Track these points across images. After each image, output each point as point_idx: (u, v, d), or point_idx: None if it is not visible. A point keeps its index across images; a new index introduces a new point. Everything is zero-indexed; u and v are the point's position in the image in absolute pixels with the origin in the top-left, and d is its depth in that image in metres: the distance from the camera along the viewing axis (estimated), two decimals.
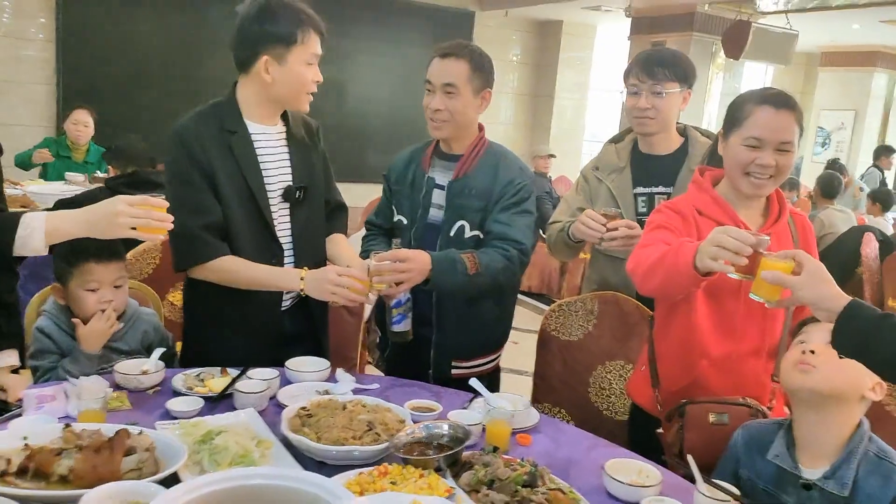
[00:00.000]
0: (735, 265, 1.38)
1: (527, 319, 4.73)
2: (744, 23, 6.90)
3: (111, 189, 3.11)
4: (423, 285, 1.85)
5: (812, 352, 1.41)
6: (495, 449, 1.38)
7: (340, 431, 1.37)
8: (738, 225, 1.70)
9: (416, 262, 1.82)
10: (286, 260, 1.88)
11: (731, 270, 1.39)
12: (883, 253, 4.36)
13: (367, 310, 2.38)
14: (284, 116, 1.91)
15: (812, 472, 1.39)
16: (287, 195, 1.88)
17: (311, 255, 1.94)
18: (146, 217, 1.55)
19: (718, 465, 1.57)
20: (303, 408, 1.49)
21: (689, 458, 1.40)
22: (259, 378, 1.67)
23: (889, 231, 5.12)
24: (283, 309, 1.91)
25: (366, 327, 2.46)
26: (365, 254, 2.14)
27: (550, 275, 6.32)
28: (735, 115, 1.67)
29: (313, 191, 1.94)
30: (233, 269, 1.79)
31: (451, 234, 2.01)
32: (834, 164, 6.68)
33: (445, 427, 1.42)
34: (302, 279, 1.77)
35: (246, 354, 1.79)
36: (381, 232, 2.20)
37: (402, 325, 1.92)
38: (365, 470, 1.28)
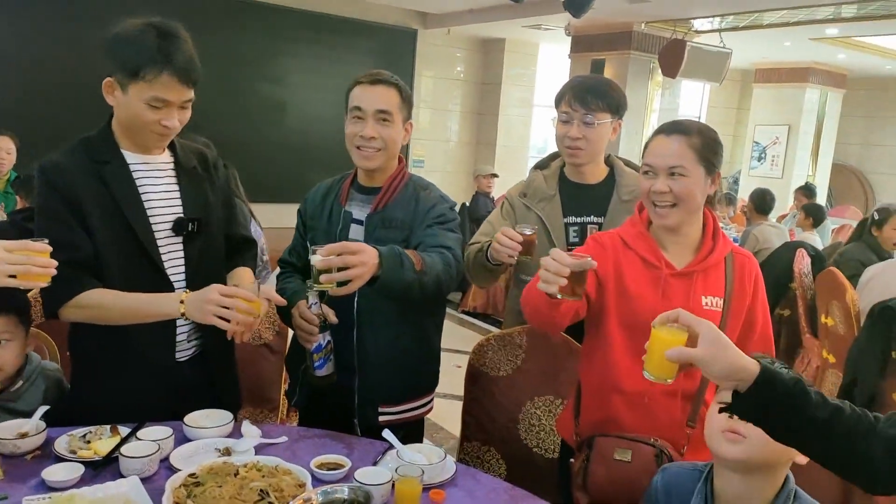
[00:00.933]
0: (559, 287, 1.44)
1: (471, 341, 4.65)
2: (679, 42, 7.02)
3: (12, 224, 2.90)
4: (369, 284, 1.65)
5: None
6: None
7: (227, 503, 1.25)
8: (659, 261, 1.66)
9: (367, 255, 1.61)
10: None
11: (555, 292, 1.45)
12: (815, 268, 4.42)
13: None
14: (172, 146, 1.79)
15: None
16: (178, 227, 1.74)
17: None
18: (26, 264, 1.41)
19: None
20: (191, 474, 1.36)
21: None
22: (150, 439, 1.54)
23: (820, 246, 5.21)
24: (181, 360, 1.77)
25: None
26: (281, 292, 2.02)
27: (496, 294, 6.26)
28: (643, 149, 1.70)
29: (209, 224, 1.81)
30: (102, 303, 1.62)
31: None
32: (808, 188, 6.80)
33: (346, 491, 1.31)
34: (182, 302, 1.59)
35: (141, 409, 1.65)
36: (296, 270, 2.08)
37: (325, 370, 1.82)
38: None
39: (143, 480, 1.41)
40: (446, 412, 3.83)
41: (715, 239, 1.70)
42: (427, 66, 8.42)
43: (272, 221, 4.38)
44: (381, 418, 1.91)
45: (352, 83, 1.93)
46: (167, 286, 1.71)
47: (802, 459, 1.31)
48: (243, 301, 1.56)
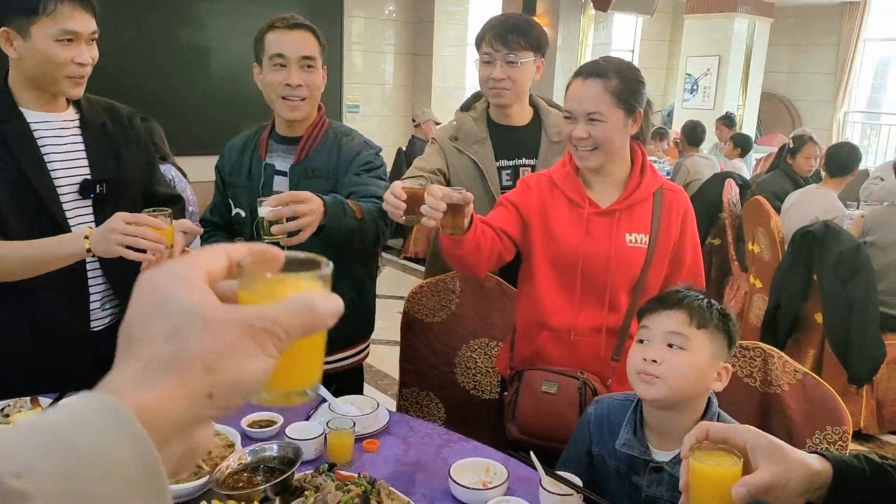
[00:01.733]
0: (438, 220, 1.46)
1: (414, 285, 4.69)
2: None
3: None
4: (315, 234, 1.62)
5: (654, 360, 1.32)
6: (331, 467, 1.28)
7: None
8: (582, 199, 1.68)
9: (315, 203, 1.58)
10: (90, 265, 1.68)
11: (434, 226, 1.47)
12: (743, 198, 4.55)
13: None
14: (78, 102, 1.68)
15: (663, 454, 1.37)
16: (84, 190, 1.65)
17: (127, 270, 1.74)
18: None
19: (571, 441, 1.55)
20: None
21: (532, 455, 1.35)
22: None
23: (747, 175, 5.36)
24: (98, 329, 1.71)
25: None
26: None
27: (437, 239, 6.26)
28: (566, 91, 1.70)
29: (122, 185, 1.72)
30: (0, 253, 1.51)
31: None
32: (728, 118, 6.89)
33: (275, 448, 1.31)
34: (87, 238, 1.48)
35: (63, 380, 1.59)
36: (219, 228, 2.02)
37: None
38: None
39: None
40: (389, 358, 3.87)
41: (642, 175, 1.72)
42: (357, 5, 8.13)
43: (202, 175, 4.23)
44: None
45: (264, 28, 1.84)
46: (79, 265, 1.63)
47: (719, 387, 1.37)
48: (151, 229, 1.46)
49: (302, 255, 0.51)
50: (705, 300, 1.37)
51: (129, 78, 5.77)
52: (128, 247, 1.44)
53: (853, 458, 0.93)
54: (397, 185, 1.60)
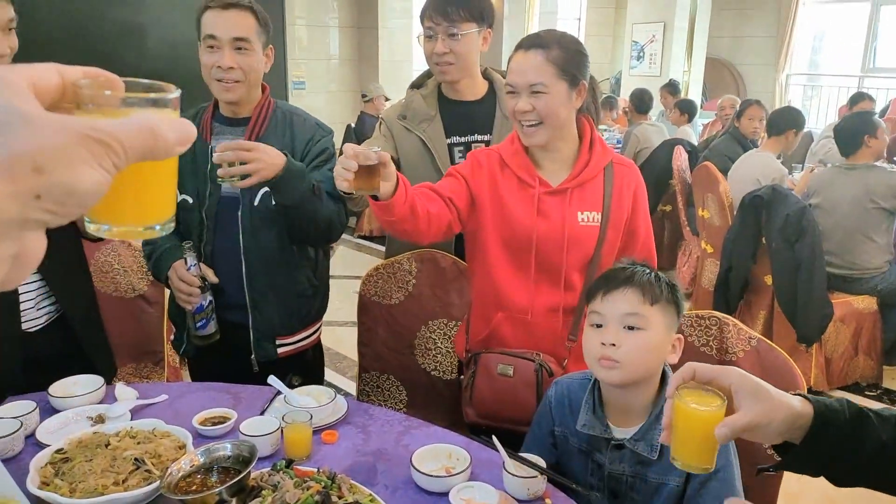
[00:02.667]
0: (351, 182, 1.36)
1: (368, 266, 4.64)
2: None
3: None
4: (270, 186, 1.66)
5: (613, 344, 1.30)
6: (288, 464, 1.24)
7: (99, 477, 1.17)
8: (533, 179, 1.65)
9: (265, 153, 1.62)
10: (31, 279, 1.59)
11: (346, 188, 1.38)
12: (692, 164, 4.61)
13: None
14: None
15: (623, 431, 1.37)
16: None
17: (55, 247, 1.65)
18: None
19: (534, 422, 1.54)
20: (58, 450, 1.26)
21: (494, 438, 1.33)
22: (10, 416, 1.41)
23: (695, 141, 5.42)
24: (31, 330, 1.62)
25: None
26: (150, 246, 1.90)
27: None
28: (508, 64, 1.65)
29: None
30: None
31: (256, 202, 1.80)
32: (672, 85, 6.93)
33: (228, 447, 1.25)
34: None
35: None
36: None
37: (208, 329, 1.79)
38: None
39: (7, 462, 1.30)
40: (347, 340, 3.82)
41: (591, 151, 1.68)
42: None
43: None
44: (279, 350, 1.91)
45: (201, 7, 1.76)
46: None
47: (674, 359, 1.37)
48: None
49: (146, 81, 0.48)
50: (652, 274, 1.36)
51: (59, 56, 5.49)
52: None
53: (835, 402, 0.93)
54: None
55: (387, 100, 6.62)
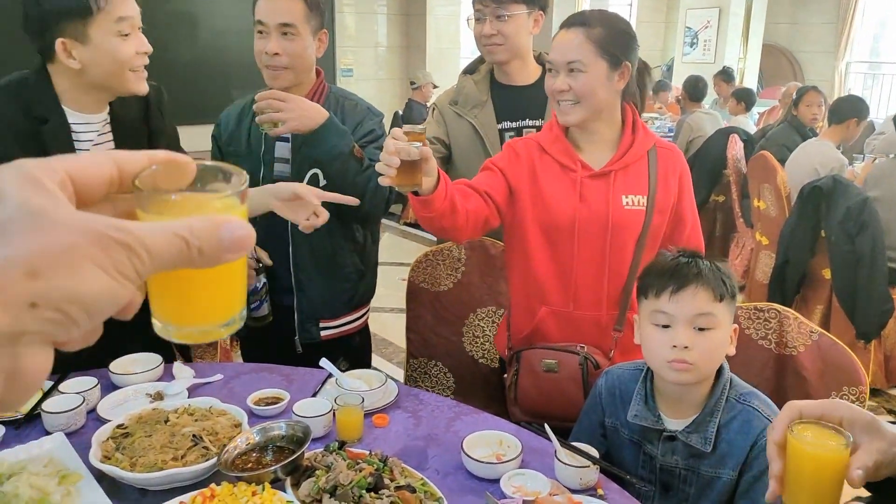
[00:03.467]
0: (393, 178, 1.36)
1: (415, 253, 4.66)
2: None
3: None
4: (305, 139, 1.71)
5: (686, 346, 1.25)
6: (341, 445, 1.25)
7: (159, 453, 1.20)
8: (574, 163, 1.61)
9: (299, 106, 1.66)
10: None
11: (389, 183, 1.38)
12: (748, 153, 4.48)
13: None
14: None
15: (675, 422, 1.34)
16: None
17: None
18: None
19: (583, 412, 1.52)
20: (119, 425, 1.30)
21: (546, 426, 1.32)
22: (74, 391, 1.45)
23: (751, 130, 5.26)
24: None
25: None
26: None
27: None
28: None
29: None
30: None
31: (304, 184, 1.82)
32: (726, 73, 6.75)
33: (283, 427, 1.27)
34: None
35: (61, 361, 1.56)
36: None
37: (261, 311, 1.81)
38: (186, 498, 1.12)
39: (71, 435, 1.34)
40: (393, 326, 3.85)
41: (634, 134, 1.63)
42: None
43: (194, 144, 4.14)
44: (322, 333, 1.91)
45: None
46: None
47: (732, 350, 1.33)
48: None
49: (217, 166, 0.44)
50: (714, 267, 1.31)
51: None
52: None
53: None
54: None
55: (435, 87, 6.60)
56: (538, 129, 2.05)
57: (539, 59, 2.11)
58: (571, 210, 1.58)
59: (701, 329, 1.27)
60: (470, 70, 2.19)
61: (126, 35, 1.48)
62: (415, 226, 6.32)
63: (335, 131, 1.70)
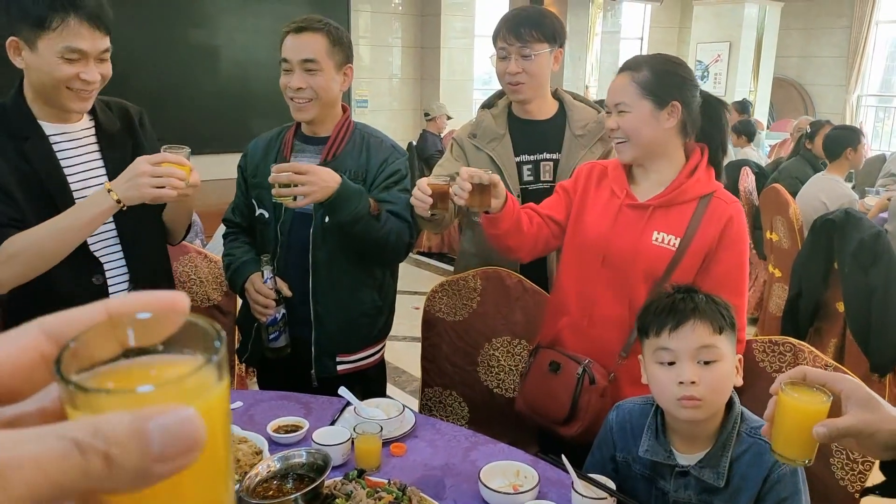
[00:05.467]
0: (464, 199, 1.58)
1: (429, 282, 4.67)
2: None
3: None
4: (324, 206, 1.72)
5: (693, 382, 1.27)
6: (360, 474, 1.27)
7: None
8: (621, 191, 1.70)
9: (318, 176, 1.68)
10: (113, 272, 1.66)
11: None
12: (759, 185, 4.50)
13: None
14: (92, 110, 1.66)
15: (687, 457, 1.35)
16: None
17: (149, 261, 1.75)
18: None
19: (595, 446, 1.53)
20: None
21: (563, 458, 1.33)
22: None
23: (763, 162, 5.29)
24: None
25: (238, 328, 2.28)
26: (229, 257, 1.96)
27: (450, 233, 6.24)
28: None
29: None
30: (29, 240, 1.47)
31: (326, 220, 1.85)
32: (741, 104, 6.79)
33: (304, 455, 1.30)
34: (110, 191, 1.46)
35: None
36: (242, 230, 2.01)
37: (280, 342, 1.84)
38: None
39: None
40: (406, 355, 3.86)
41: (690, 177, 1.63)
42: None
43: (214, 173, 4.22)
44: (339, 367, 1.92)
45: (283, 33, 1.84)
46: (94, 264, 1.62)
47: (739, 381, 1.35)
48: (176, 167, 1.47)
49: (202, 326, 0.31)
50: (709, 299, 1.33)
51: (139, 77, 5.77)
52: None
53: None
54: (423, 181, 1.66)
55: (449, 118, 6.69)
56: (555, 161, 2.09)
57: (556, 95, 2.16)
58: (601, 233, 1.67)
59: (706, 363, 1.29)
60: (488, 104, 2.24)
61: (71, 60, 1.49)
62: (428, 255, 6.36)
63: (352, 193, 1.73)
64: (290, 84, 1.80)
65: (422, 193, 1.63)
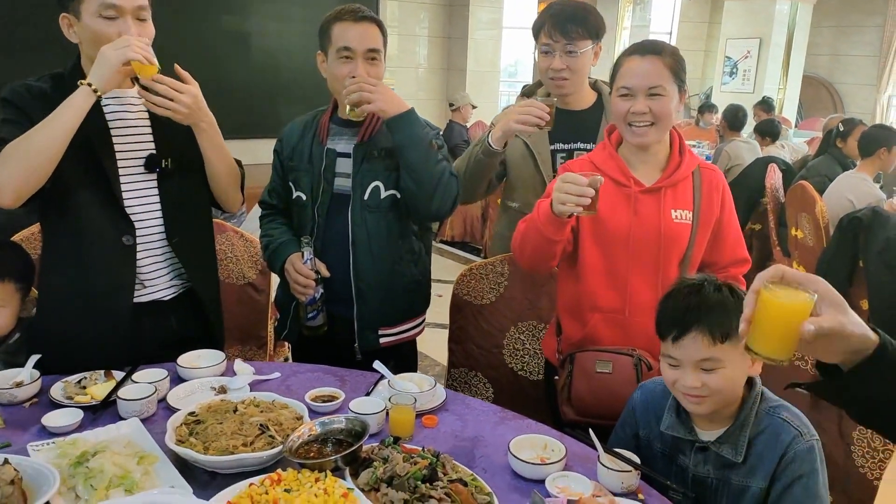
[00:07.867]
0: (582, 206, 1.54)
1: (451, 270, 4.71)
2: None
3: None
4: (386, 124, 1.80)
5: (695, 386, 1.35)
6: (396, 440, 1.33)
7: (230, 439, 1.29)
8: (628, 179, 1.71)
9: (385, 93, 1.78)
10: (147, 233, 1.72)
11: (580, 211, 1.55)
12: (786, 182, 4.50)
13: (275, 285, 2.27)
14: None
15: (708, 433, 1.40)
16: (150, 164, 1.71)
17: (190, 227, 1.80)
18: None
19: (618, 425, 1.58)
20: (191, 413, 1.40)
21: (591, 432, 1.39)
22: (145, 381, 1.56)
23: (790, 159, 5.27)
24: (165, 299, 1.78)
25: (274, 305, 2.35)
26: (268, 238, 2.01)
27: (472, 223, 6.30)
28: (614, 71, 1.73)
29: (188, 160, 1.77)
30: (19, 140, 1.51)
31: (366, 197, 1.89)
32: (765, 103, 6.76)
33: (343, 421, 1.36)
34: (87, 84, 1.53)
35: (134, 353, 1.67)
36: (278, 213, 2.07)
37: (317, 320, 1.89)
38: (256, 480, 1.21)
39: (143, 421, 1.45)
40: (430, 340, 3.90)
41: (682, 155, 1.76)
42: None
43: (248, 158, 4.29)
44: (381, 340, 1.96)
45: (330, 17, 1.86)
46: (126, 224, 1.68)
47: (756, 371, 1.39)
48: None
49: None
50: (719, 295, 1.35)
51: (172, 64, 5.87)
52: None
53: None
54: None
55: (474, 108, 6.73)
56: (589, 151, 2.13)
57: (594, 87, 2.20)
58: (626, 223, 1.70)
59: (707, 370, 1.34)
60: (528, 93, 2.28)
61: (111, 19, 1.57)
62: (450, 243, 6.41)
63: (417, 121, 1.82)
64: (356, 72, 1.81)
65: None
